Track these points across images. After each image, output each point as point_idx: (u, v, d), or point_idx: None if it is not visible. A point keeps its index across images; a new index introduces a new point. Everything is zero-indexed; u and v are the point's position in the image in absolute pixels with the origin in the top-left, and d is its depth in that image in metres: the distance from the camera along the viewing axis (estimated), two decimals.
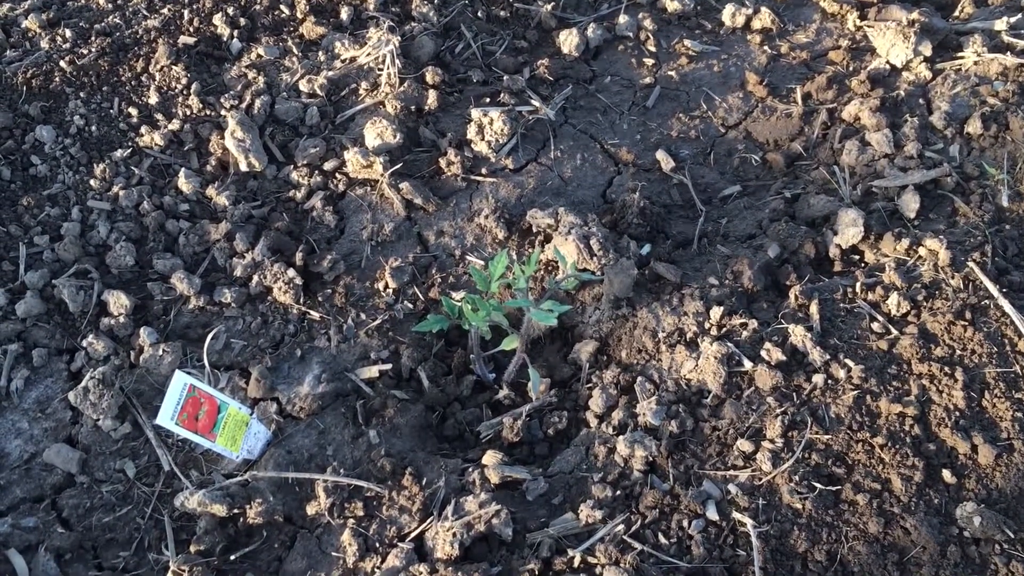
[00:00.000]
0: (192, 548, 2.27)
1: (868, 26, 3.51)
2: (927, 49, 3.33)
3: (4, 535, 2.29)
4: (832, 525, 2.21)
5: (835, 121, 3.24)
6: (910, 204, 2.88)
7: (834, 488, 2.25)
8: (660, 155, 3.14)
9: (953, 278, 2.64)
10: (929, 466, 2.28)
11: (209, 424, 2.28)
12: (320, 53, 3.31)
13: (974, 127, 3.07)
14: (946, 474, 2.26)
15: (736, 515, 2.24)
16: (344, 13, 3.40)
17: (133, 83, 3.19)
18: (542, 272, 2.83)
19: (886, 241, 2.80)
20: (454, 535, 2.21)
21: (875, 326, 2.58)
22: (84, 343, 2.62)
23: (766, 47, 3.52)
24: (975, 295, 2.59)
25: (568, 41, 3.43)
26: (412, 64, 3.29)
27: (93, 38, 3.28)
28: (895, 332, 2.55)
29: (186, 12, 3.36)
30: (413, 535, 2.26)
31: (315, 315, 2.72)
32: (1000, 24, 3.41)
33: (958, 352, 2.47)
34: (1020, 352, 2.46)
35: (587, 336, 2.73)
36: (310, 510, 2.34)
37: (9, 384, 2.56)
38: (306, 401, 2.52)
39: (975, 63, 3.31)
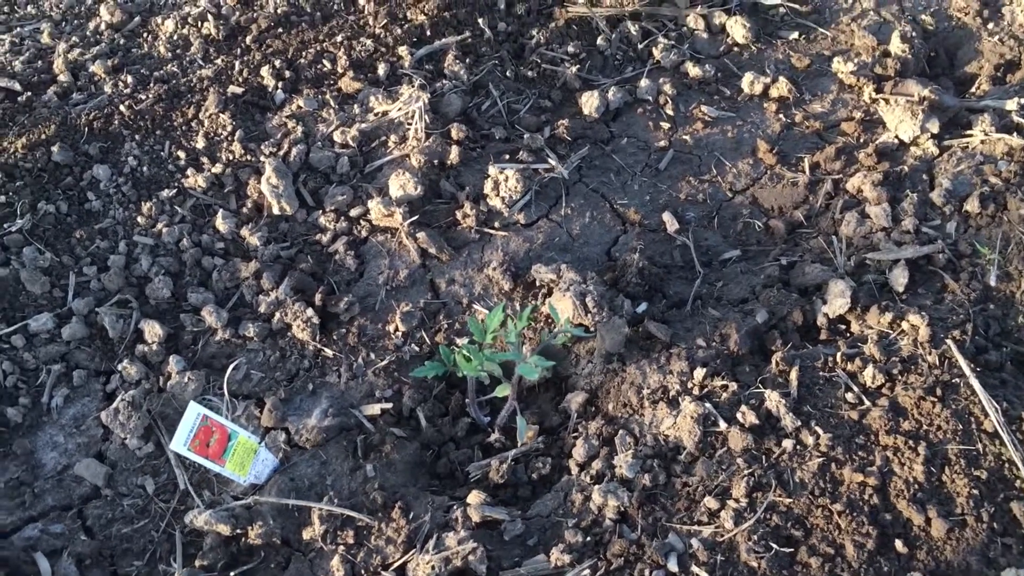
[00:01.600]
0: (197, 563, 2.51)
1: (883, 99, 3.63)
2: (934, 126, 3.44)
3: (34, 539, 2.57)
4: None
5: (839, 192, 3.37)
6: (899, 278, 3.00)
7: (790, 550, 2.39)
8: (666, 216, 3.31)
9: (930, 354, 2.75)
10: (883, 535, 2.40)
11: (219, 450, 2.52)
12: (355, 106, 3.57)
13: (972, 206, 3.17)
14: (898, 544, 2.38)
15: (695, 568, 2.39)
16: (381, 69, 3.65)
17: (184, 128, 3.49)
18: (542, 324, 3.02)
19: (872, 313, 2.92)
20: (432, 568, 2.40)
21: (849, 396, 2.70)
22: (119, 367, 2.89)
23: (781, 115, 3.67)
24: (948, 372, 2.70)
25: (589, 103, 3.63)
26: (440, 119, 3.52)
27: (151, 84, 3.59)
28: (867, 403, 2.68)
29: (237, 63, 3.65)
30: (396, 565, 2.46)
31: (329, 352, 2.96)
32: (1011, 104, 3.50)
33: (924, 427, 2.59)
34: (984, 431, 2.56)
35: (579, 387, 2.91)
36: (306, 535, 2.56)
37: (50, 401, 2.85)
38: (312, 433, 2.75)
39: (982, 142, 3.41)
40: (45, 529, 2.60)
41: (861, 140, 3.56)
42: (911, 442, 2.55)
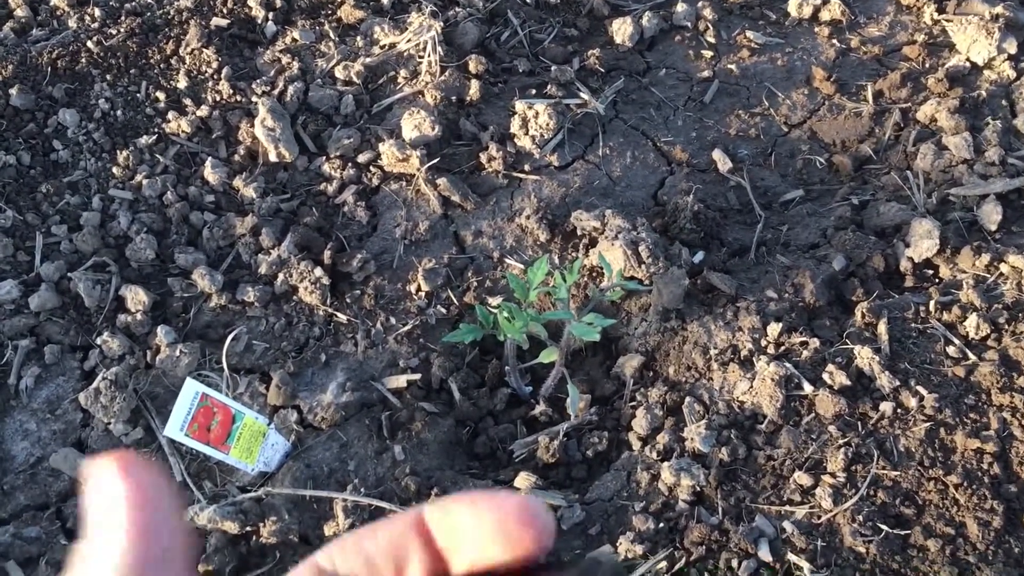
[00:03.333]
0: (201, 568, 2.11)
1: (947, 20, 3.25)
2: (1012, 46, 3.07)
3: (4, 545, 2.16)
4: (899, 573, 1.99)
5: (909, 122, 2.99)
6: (991, 215, 2.64)
7: (902, 532, 2.04)
8: (716, 155, 2.92)
9: None
10: (1009, 510, 2.05)
11: (223, 435, 2.13)
12: (358, 38, 3.14)
13: None
14: None
15: (792, 557, 2.03)
16: None
17: (162, 66, 3.04)
18: (586, 279, 2.63)
19: (964, 255, 2.56)
20: None
21: (951, 350, 2.35)
22: (99, 340, 2.47)
23: (835, 40, 3.28)
24: None
25: (621, 30, 3.22)
26: (455, 52, 3.10)
27: (123, 18, 3.13)
28: (973, 357, 2.32)
29: None
30: None
31: (342, 318, 2.56)
32: None
33: None
34: None
35: (632, 349, 2.53)
36: (328, 530, 2.17)
37: (19, 382, 2.42)
38: (328, 411, 2.36)
39: None
40: (17, 533, 2.19)
41: (927, 65, 3.18)
42: None
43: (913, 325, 2.42)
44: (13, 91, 2.87)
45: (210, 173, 2.82)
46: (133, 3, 3.19)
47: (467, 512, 0.53)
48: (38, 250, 2.65)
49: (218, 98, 2.97)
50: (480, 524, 0.53)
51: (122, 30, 3.06)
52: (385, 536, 0.55)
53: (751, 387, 2.31)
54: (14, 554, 2.15)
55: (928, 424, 2.18)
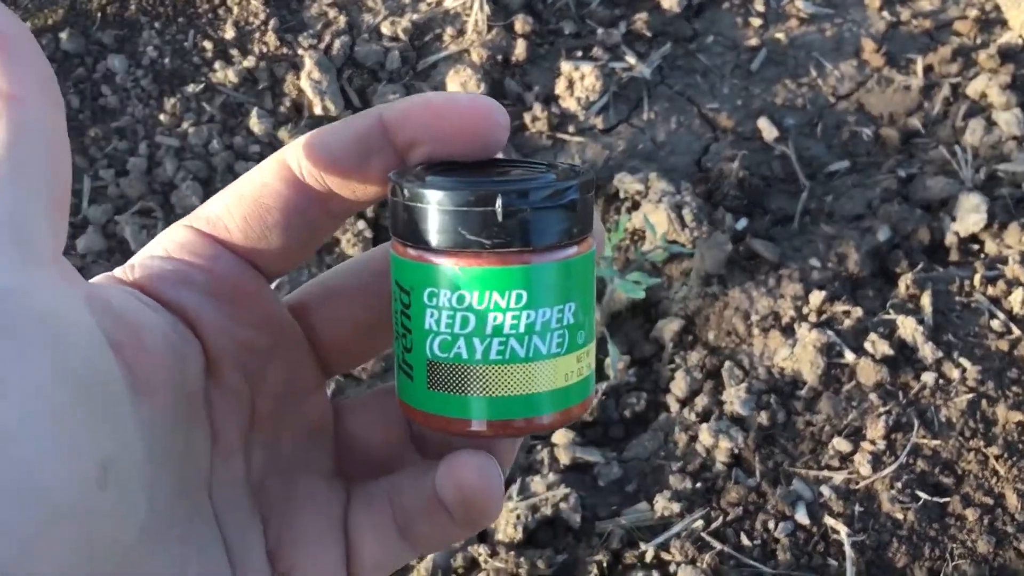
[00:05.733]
0: None
1: None
2: None
3: None
4: (936, 540, 1.99)
5: (959, 97, 2.96)
6: None
7: (941, 500, 2.04)
8: (762, 123, 2.90)
9: None
10: None
11: None
12: None
13: None
14: None
15: (829, 520, 2.03)
16: None
17: (210, 15, 3.05)
18: (627, 242, 2.63)
19: (1011, 231, 2.54)
20: (518, 517, 2.05)
21: (995, 324, 2.33)
22: None
23: (885, 13, 3.23)
24: None
25: None
26: (501, 11, 3.09)
27: None
28: (1017, 332, 2.30)
29: None
30: None
31: None
32: None
33: None
34: None
35: (672, 313, 2.52)
36: None
37: None
38: (369, 361, 2.38)
39: None
40: None
41: (978, 41, 3.13)
42: None
43: (957, 298, 2.41)
44: (63, 35, 2.90)
45: (255, 123, 2.83)
46: None
47: (424, 111, 0.52)
48: (85, 193, 2.67)
49: (265, 49, 2.98)
50: (437, 122, 0.52)
51: None
52: (350, 131, 0.54)
53: (792, 353, 2.31)
54: None
55: (970, 396, 2.17)
